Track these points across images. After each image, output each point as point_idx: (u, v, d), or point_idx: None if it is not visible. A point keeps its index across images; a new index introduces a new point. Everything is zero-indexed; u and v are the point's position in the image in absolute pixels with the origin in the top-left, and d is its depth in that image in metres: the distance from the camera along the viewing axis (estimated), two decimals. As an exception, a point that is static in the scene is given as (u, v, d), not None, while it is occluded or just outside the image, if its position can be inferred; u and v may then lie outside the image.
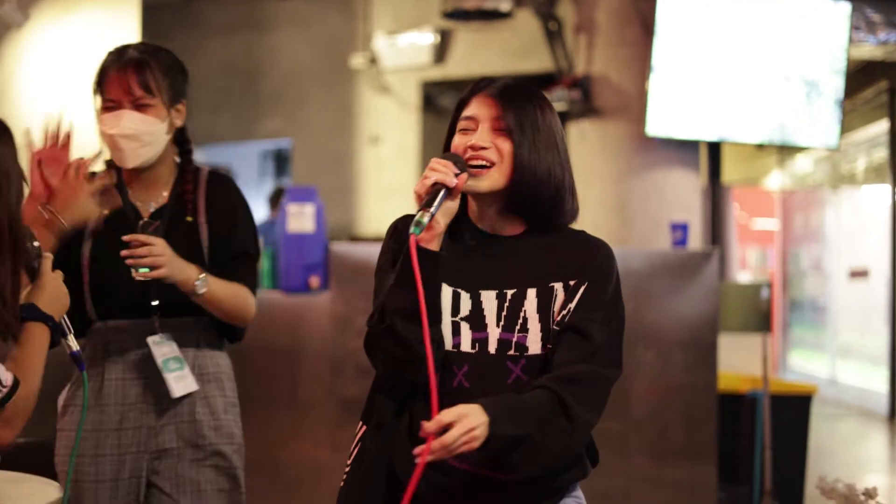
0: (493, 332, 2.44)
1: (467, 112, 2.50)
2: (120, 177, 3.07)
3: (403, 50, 10.85)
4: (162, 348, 3.00)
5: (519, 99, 2.48)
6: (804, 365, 14.79)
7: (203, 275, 2.97)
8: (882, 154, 11.97)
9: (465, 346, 2.43)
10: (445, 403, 2.38)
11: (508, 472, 2.36)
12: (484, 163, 2.43)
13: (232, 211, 3.16)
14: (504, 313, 2.44)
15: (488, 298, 2.46)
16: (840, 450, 9.84)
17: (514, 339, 2.43)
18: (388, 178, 11.01)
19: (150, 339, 3.00)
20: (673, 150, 7.87)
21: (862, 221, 13.03)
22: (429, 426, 2.18)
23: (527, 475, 2.38)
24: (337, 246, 5.60)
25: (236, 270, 3.10)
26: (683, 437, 5.37)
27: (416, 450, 2.18)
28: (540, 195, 2.44)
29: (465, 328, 2.44)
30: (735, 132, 7.77)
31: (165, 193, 3.10)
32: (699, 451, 5.35)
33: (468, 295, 2.46)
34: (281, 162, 14.35)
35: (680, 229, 5.55)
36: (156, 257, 2.86)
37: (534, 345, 2.44)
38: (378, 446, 2.48)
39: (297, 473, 5.49)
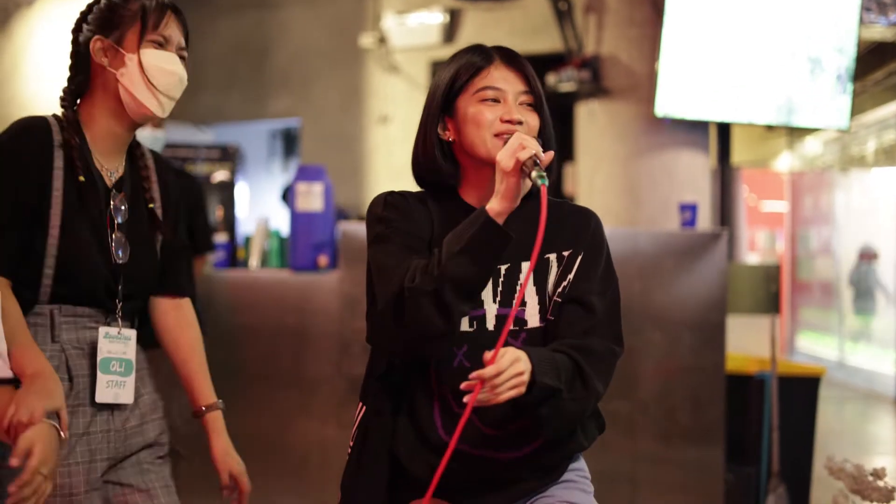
0: (491, 309, 2.43)
1: (490, 82, 2.45)
2: (82, 135, 2.62)
3: (413, 29, 10.82)
4: (113, 345, 2.61)
5: (531, 71, 2.49)
6: (813, 347, 14.79)
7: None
8: (892, 136, 11.93)
9: (464, 325, 2.41)
10: (447, 384, 2.40)
11: (536, 428, 2.37)
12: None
13: (176, 198, 2.85)
14: (500, 289, 2.44)
15: None
16: (848, 432, 9.85)
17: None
18: (397, 158, 10.99)
19: (104, 330, 2.60)
20: (682, 131, 7.85)
21: (872, 204, 13.01)
22: (485, 371, 2.14)
23: (546, 436, 2.40)
24: (345, 225, 5.60)
25: (181, 274, 2.87)
26: (691, 418, 5.37)
27: (464, 386, 2.16)
28: (551, 167, 2.43)
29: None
30: (745, 113, 7.75)
31: (122, 164, 2.70)
32: (706, 432, 5.35)
33: None
34: (290, 141, 14.33)
35: (689, 210, 5.53)
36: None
37: (532, 318, 2.44)
38: (379, 434, 2.47)
39: (304, 451, 5.51)
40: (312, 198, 5.60)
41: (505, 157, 2.28)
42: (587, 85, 8.10)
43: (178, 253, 2.84)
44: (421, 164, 2.52)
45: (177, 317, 2.86)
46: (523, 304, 2.44)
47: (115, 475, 2.65)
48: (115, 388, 2.60)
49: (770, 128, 12.67)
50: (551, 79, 8.17)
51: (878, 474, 3.28)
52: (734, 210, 10.68)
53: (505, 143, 2.34)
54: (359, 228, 5.58)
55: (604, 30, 8.15)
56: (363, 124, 11.53)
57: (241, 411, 5.21)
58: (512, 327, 2.42)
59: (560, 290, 2.44)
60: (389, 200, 2.48)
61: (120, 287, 2.60)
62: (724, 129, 8.52)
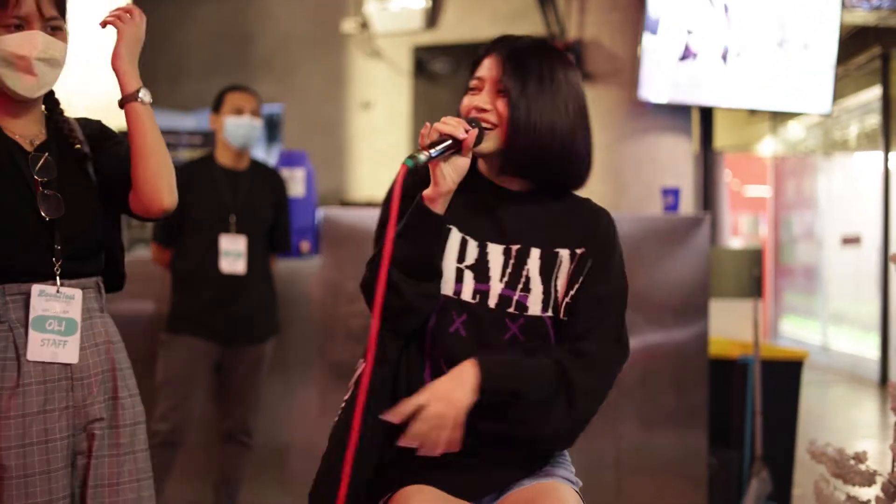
0: (496, 287, 2.45)
1: (478, 72, 2.52)
2: None
3: (395, 15, 10.80)
4: (49, 303, 2.55)
5: (525, 59, 2.48)
6: (796, 331, 14.83)
7: (144, 90, 2.62)
8: (874, 120, 11.95)
9: (466, 295, 2.44)
10: (441, 348, 2.44)
11: (512, 428, 2.40)
12: (488, 125, 2.44)
13: (109, 134, 2.77)
14: (508, 270, 2.46)
15: (495, 252, 2.47)
16: (831, 416, 9.87)
17: (516, 298, 2.44)
18: (380, 144, 10.98)
19: (37, 288, 2.54)
20: (665, 115, 7.85)
21: (854, 188, 13.03)
22: (391, 417, 2.31)
23: (530, 434, 2.42)
24: (328, 210, 5.58)
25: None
26: (674, 403, 5.37)
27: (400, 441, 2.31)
28: (541, 156, 2.44)
29: (468, 277, 2.46)
30: (727, 98, 7.75)
31: (43, 130, 2.67)
32: (690, 416, 5.36)
33: (476, 244, 2.48)
34: (272, 128, 14.28)
35: (671, 194, 5.53)
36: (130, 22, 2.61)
37: (534, 306, 2.45)
38: (378, 384, 2.47)
39: (286, 437, 5.49)
40: (294, 183, 5.59)
41: (421, 138, 2.40)
42: (570, 70, 8.08)
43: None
44: None
45: None
46: (528, 290, 2.45)
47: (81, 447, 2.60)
48: (52, 346, 2.55)
49: (753, 112, 12.72)
50: (534, 64, 8.14)
51: (860, 458, 3.28)
52: (717, 194, 10.70)
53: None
54: (341, 213, 5.56)
55: (586, 14, 8.13)
56: (346, 110, 11.52)
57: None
58: (512, 311, 2.44)
59: (573, 291, 2.46)
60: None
61: (57, 245, 2.56)
62: (707, 114, 8.54)
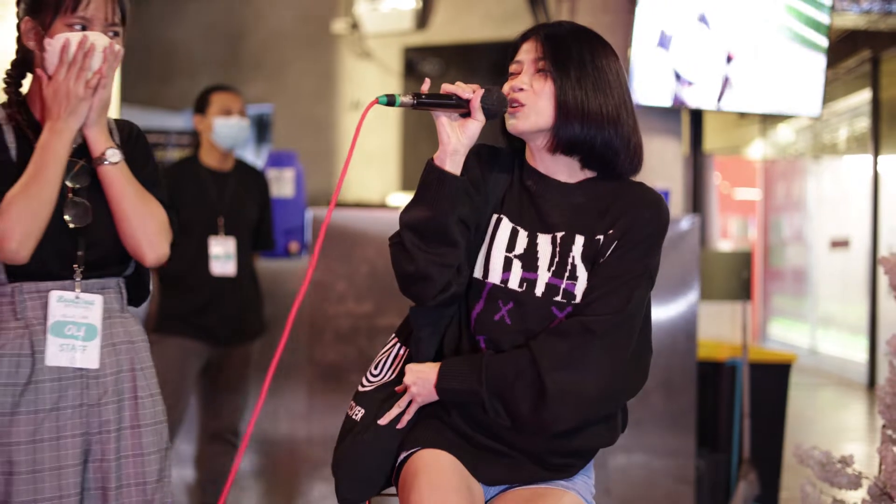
0: (543, 276, 2.44)
1: (516, 57, 2.53)
2: (29, 112, 2.65)
3: (385, 15, 10.80)
4: (68, 309, 2.57)
5: (564, 40, 2.48)
6: (784, 334, 14.85)
7: (114, 150, 2.61)
8: (864, 124, 11.98)
9: (513, 283, 2.45)
10: (485, 334, 2.46)
11: (495, 417, 2.41)
12: (515, 103, 2.44)
13: (145, 153, 2.78)
14: (556, 259, 2.45)
15: (544, 241, 2.47)
16: (819, 419, 9.89)
17: (563, 286, 2.43)
18: (370, 143, 10.97)
19: (55, 294, 2.56)
20: (655, 117, 7.84)
21: (843, 191, 13.06)
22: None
23: (511, 419, 2.41)
24: (318, 211, 5.57)
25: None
26: (662, 405, 5.37)
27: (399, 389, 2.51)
28: (592, 136, 2.43)
29: (516, 265, 2.46)
30: (717, 101, 7.75)
31: (80, 136, 2.64)
32: (678, 418, 5.35)
33: (526, 234, 2.48)
34: (262, 127, 14.28)
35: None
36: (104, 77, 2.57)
37: (581, 294, 2.44)
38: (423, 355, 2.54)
39: (273, 437, 5.48)
40: (283, 184, 5.59)
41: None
42: (560, 71, 8.08)
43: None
44: None
45: None
46: (574, 277, 2.44)
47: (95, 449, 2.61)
48: (71, 351, 2.57)
49: (742, 115, 12.71)
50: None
51: (846, 461, 3.28)
52: (706, 197, 10.70)
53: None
54: (331, 214, 5.54)
55: (577, 16, 8.13)
56: (336, 110, 11.51)
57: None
58: (559, 299, 2.43)
59: (592, 269, 2.45)
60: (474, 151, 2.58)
61: (80, 252, 2.58)
62: (697, 116, 8.53)
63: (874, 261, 11.39)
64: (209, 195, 4.96)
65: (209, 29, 11.87)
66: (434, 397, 2.45)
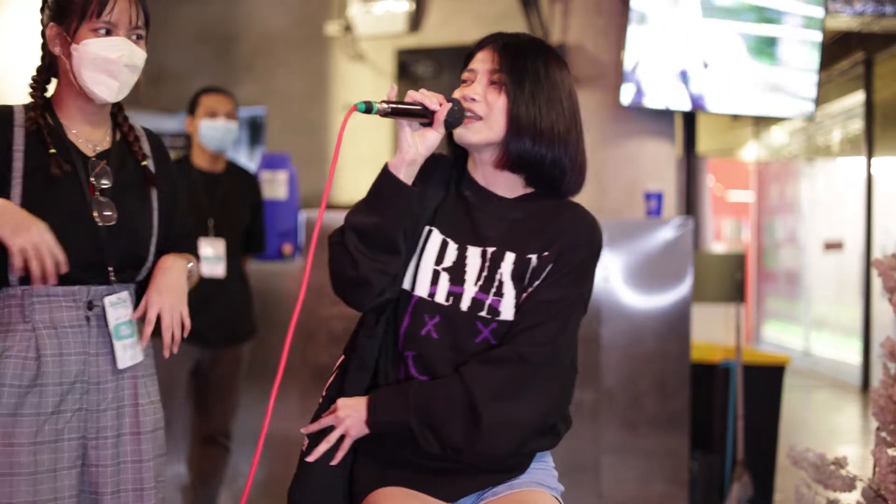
0: (469, 290, 2.43)
1: (471, 65, 2.51)
2: (54, 115, 2.69)
3: (378, 17, 10.78)
4: (117, 311, 2.65)
5: (520, 52, 2.46)
6: (778, 336, 14.85)
7: (191, 264, 2.79)
8: (857, 125, 11.99)
9: (440, 297, 2.43)
10: (413, 349, 2.44)
11: (427, 447, 2.41)
12: (471, 114, 2.42)
13: (173, 176, 2.89)
14: (484, 273, 2.44)
15: (474, 254, 2.45)
16: (813, 421, 9.89)
17: (488, 302, 2.42)
18: (363, 147, 10.95)
19: (108, 300, 2.62)
20: (648, 119, 7.84)
21: (837, 193, 13.06)
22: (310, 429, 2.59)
23: (444, 450, 2.40)
24: (311, 213, 5.57)
25: (179, 243, 2.85)
26: (656, 407, 5.37)
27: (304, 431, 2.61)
28: (542, 154, 2.42)
29: (443, 279, 2.44)
30: (710, 103, 7.75)
31: (108, 138, 2.74)
32: (672, 420, 5.35)
33: (456, 246, 2.47)
34: (255, 129, 14.28)
35: (654, 199, 5.54)
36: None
37: (507, 311, 2.43)
38: (356, 384, 2.52)
39: (267, 440, 5.47)
40: (276, 186, 5.58)
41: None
42: (553, 73, 8.07)
43: (180, 232, 2.86)
44: None
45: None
46: (500, 294, 2.43)
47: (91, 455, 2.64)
48: (130, 349, 2.68)
49: (736, 117, 12.71)
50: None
51: (840, 463, 3.28)
52: (699, 199, 10.70)
53: None
54: (324, 217, 5.53)
55: (570, 18, 8.13)
56: (329, 113, 11.49)
57: (204, 401, 5.18)
58: (484, 314, 2.42)
59: (525, 293, 2.44)
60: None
61: (110, 251, 2.62)
62: (690, 118, 8.53)
63: (868, 263, 11.39)
64: (198, 197, 4.95)
65: (202, 31, 11.85)
66: (366, 431, 2.44)
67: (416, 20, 10.73)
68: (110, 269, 2.64)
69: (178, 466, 5.34)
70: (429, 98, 2.38)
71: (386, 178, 2.39)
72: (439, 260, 2.44)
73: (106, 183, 2.66)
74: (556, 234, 2.45)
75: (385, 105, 2.35)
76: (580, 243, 2.46)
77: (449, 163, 2.57)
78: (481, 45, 2.52)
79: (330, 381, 2.60)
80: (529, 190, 2.50)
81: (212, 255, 4.92)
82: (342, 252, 2.38)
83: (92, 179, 2.64)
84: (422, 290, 2.43)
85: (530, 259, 2.43)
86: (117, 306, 2.65)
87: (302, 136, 11.31)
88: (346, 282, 2.40)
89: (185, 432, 5.25)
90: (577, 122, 2.48)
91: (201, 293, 4.90)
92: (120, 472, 2.65)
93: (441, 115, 2.37)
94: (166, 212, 2.78)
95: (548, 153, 2.42)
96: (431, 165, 2.50)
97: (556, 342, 2.41)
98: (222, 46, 11.84)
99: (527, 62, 2.44)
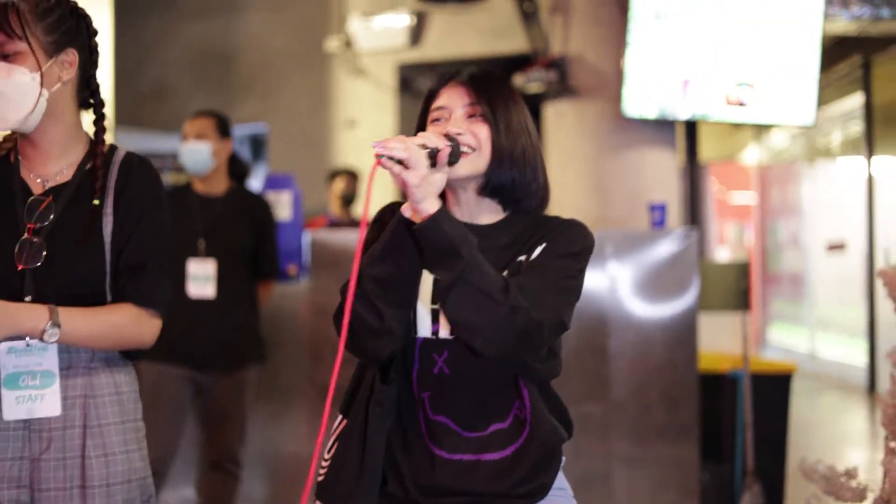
0: None
1: (438, 103, 2.51)
2: (15, 149, 2.52)
3: (379, 32, 10.81)
4: (21, 359, 2.41)
5: (489, 85, 2.50)
6: (784, 339, 14.85)
7: (55, 319, 2.38)
8: (857, 127, 12.01)
9: (444, 333, 2.42)
10: (429, 391, 2.43)
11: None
12: (466, 148, 2.42)
13: (140, 208, 2.55)
14: None
15: None
16: (820, 424, 9.89)
17: None
18: (365, 162, 10.97)
19: (6, 346, 2.40)
20: (650, 128, 7.87)
21: (838, 195, 13.07)
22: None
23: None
24: (315, 233, 5.58)
25: (124, 286, 2.53)
26: (665, 418, 5.38)
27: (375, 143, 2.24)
28: (518, 178, 2.46)
29: (443, 316, 2.41)
30: (712, 111, 7.77)
31: (68, 171, 2.53)
32: (681, 431, 5.36)
33: None
34: (257, 147, 14.31)
35: (658, 210, 5.55)
36: None
37: None
38: (376, 439, 2.45)
39: (276, 461, 5.49)
40: (281, 207, 5.60)
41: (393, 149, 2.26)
42: (554, 85, 8.10)
43: (125, 269, 2.53)
44: None
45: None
46: None
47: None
48: (29, 402, 2.41)
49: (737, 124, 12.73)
50: (519, 80, 8.17)
51: (851, 474, 3.29)
52: (703, 205, 10.72)
53: None
54: (328, 236, 5.56)
55: (570, 29, 8.16)
56: (330, 128, 11.53)
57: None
58: None
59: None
60: (377, 216, 2.55)
61: (27, 296, 2.42)
62: (692, 126, 8.56)
63: (871, 263, 11.40)
64: (191, 219, 4.95)
65: (203, 49, 11.89)
66: (420, 208, 2.28)
67: (416, 34, 10.76)
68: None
69: (188, 490, 5.35)
70: (433, 140, 2.33)
71: (401, 229, 2.32)
72: (435, 299, 2.43)
73: (42, 223, 2.47)
74: (545, 235, 2.46)
75: (406, 146, 2.24)
76: (574, 233, 2.47)
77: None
78: (442, 83, 2.53)
79: (340, 431, 2.56)
80: (507, 213, 2.53)
81: (200, 276, 4.90)
82: (364, 303, 2.32)
83: (28, 221, 2.46)
84: (424, 332, 2.43)
85: (520, 262, 2.43)
86: (22, 354, 2.41)
87: (304, 152, 11.35)
88: (370, 333, 2.34)
89: (194, 456, 5.25)
90: (538, 144, 2.55)
91: (191, 314, 4.90)
92: None
93: (443, 157, 2.34)
94: (120, 245, 2.52)
95: (521, 177, 2.46)
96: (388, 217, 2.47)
97: (515, 303, 2.30)
98: (223, 64, 11.88)
99: (496, 93, 2.49)
